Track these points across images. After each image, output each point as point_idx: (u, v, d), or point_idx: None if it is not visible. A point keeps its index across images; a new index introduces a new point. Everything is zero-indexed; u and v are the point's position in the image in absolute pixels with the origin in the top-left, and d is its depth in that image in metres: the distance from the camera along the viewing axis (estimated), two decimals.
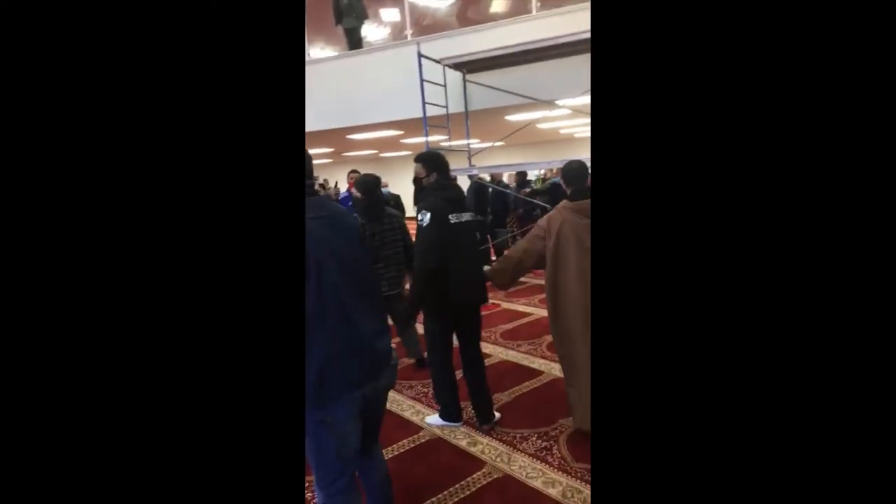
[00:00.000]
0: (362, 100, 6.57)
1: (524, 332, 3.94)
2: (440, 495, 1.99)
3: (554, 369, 3.04)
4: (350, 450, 1.35)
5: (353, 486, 1.41)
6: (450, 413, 2.51)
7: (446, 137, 6.44)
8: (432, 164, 2.36)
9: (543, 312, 4.09)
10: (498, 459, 2.21)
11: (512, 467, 2.14)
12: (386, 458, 2.11)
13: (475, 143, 6.71)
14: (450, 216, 2.27)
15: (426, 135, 5.50)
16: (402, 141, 9.76)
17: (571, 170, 2.29)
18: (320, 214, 1.31)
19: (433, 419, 2.57)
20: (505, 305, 4.73)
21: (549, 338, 3.50)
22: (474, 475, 2.10)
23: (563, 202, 2.26)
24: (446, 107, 5.73)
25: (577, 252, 2.14)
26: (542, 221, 2.28)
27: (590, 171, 2.27)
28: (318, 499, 1.39)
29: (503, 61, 5.36)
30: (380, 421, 1.55)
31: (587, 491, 1.94)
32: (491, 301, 4.94)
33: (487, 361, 3.38)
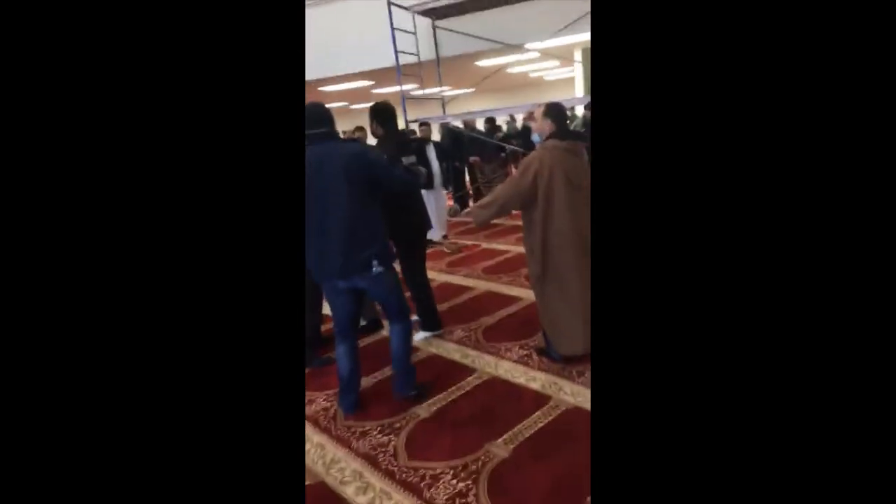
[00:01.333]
0: (332, 50, 6.53)
1: (504, 267, 4.28)
2: (442, 394, 2.35)
3: (531, 295, 3.40)
4: (336, 317, 2.21)
5: (343, 340, 2.23)
6: (436, 321, 2.98)
7: (418, 86, 6.51)
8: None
9: (520, 249, 4.41)
10: (486, 366, 2.58)
11: (499, 371, 2.52)
12: (388, 374, 2.45)
13: (447, 91, 6.79)
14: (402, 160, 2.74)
15: (399, 83, 5.58)
16: (373, 91, 9.69)
17: (554, 111, 2.35)
18: (308, 159, 1.95)
19: (421, 335, 2.96)
20: (485, 245, 5.05)
21: (525, 270, 3.85)
22: (467, 379, 2.48)
23: (550, 141, 2.30)
24: (417, 54, 5.78)
25: (567, 189, 2.23)
26: (531, 162, 2.30)
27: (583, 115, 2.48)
28: None
29: (472, 6, 5.41)
30: (383, 306, 2.34)
31: (563, 383, 2.33)
32: (471, 242, 5.26)
33: (472, 293, 3.73)
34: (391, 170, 2.19)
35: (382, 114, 2.71)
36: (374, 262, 2.03)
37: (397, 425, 2.15)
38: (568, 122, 5.66)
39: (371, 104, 2.76)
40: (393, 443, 2.03)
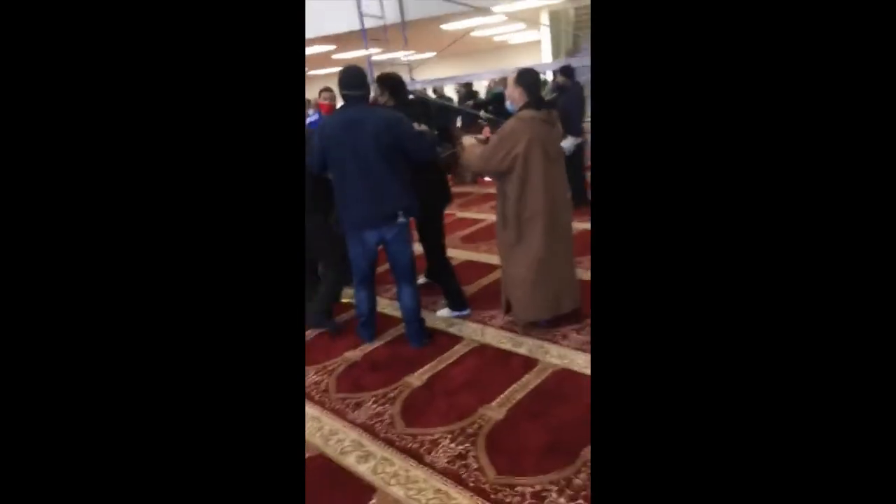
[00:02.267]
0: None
1: (481, 235, 4.32)
2: (432, 363, 2.40)
3: None
4: (357, 265, 2.46)
5: (363, 285, 2.53)
6: (463, 301, 2.86)
7: (382, 50, 6.31)
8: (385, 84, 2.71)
9: (494, 218, 4.43)
10: (473, 334, 2.64)
11: (485, 338, 2.58)
12: (379, 343, 2.48)
13: (412, 56, 6.62)
14: None
15: (366, 47, 5.41)
16: (333, 57, 9.33)
17: (528, 79, 2.32)
18: (341, 117, 2.26)
19: (445, 312, 2.85)
20: (459, 215, 5.06)
21: None
22: (455, 347, 2.53)
23: (527, 112, 2.27)
24: (382, 17, 5.59)
25: (545, 162, 2.27)
26: (507, 135, 2.28)
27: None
28: None
29: None
30: (398, 263, 2.45)
31: (549, 346, 2.42)
32: (446, 212, 5.26)
33: (452, 263, 3.76)
34: (420, 141, 2.33)
35: (391, 81, 2.71)
36: (400, 213, 2.30)
37: (391, 395, 2.19)
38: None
39: (340, 69, 2.60)
40: (389, 412, 2.08)
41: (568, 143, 4.43)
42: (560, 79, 4.58)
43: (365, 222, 2.31)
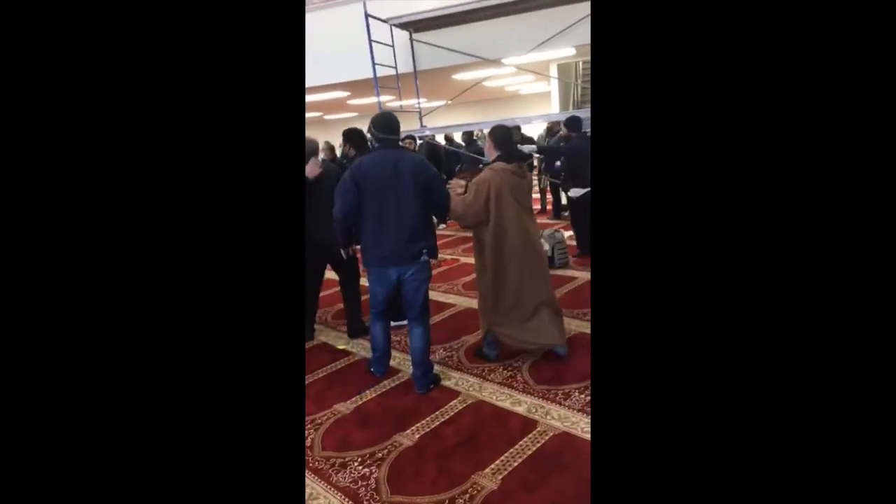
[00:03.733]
0: (308, 60, 6.43)
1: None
2: (425, 419, 2.27)
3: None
4: (377, 300, 2.47)
5: (380, 319, 2.54)
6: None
7: (395, 97, 6.46)
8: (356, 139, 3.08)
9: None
10: (471, 389, 2.51)
11: (483, 394, 2.45)
12: (371, 397, 2.36)
13: (424, 103, 6.77)
14: None
15: (377, 95, 5.53)
16: (348, 102, 9.60)
17: (500, 135, 2.54)
18: (381, 156, 2.33)
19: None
20: (464, 260, 5.00)
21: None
22: (451, 402, 2.40)
23: (499, 164, 2.48)
24: (395, 66, 5.74)
25: (516, 210, 2.46)
26: (481, 185, 2.46)
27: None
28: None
29: (449, 20, 5.42)
30: (413, 301, 2.45)
31: (549, 406, 2.28)
32: (450, 256, 5.20)
33: (453, 310, 3.66)
34: (442, 186, 2.47)
35: (353, 136, 3.11)
36: (424, 252, 2.39)
37: (379, 455, 2.05)
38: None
39: (358, 115, 2.80)
40: (375, 475, 1.93)
41: (574, 193, 4.43)
42: (563, 131, 4.61)
43: (393, 259, 2.34)
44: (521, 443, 2.04)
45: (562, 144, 4.84)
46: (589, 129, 4.57)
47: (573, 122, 4.46)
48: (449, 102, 7.48)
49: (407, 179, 2.28)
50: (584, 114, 4.81)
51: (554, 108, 7.53)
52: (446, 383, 2.59)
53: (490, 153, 2.56)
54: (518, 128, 5.94)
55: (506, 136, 2.57)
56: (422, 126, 6.22)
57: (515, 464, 1.92)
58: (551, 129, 6.13)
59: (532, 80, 8.95)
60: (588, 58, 6.93)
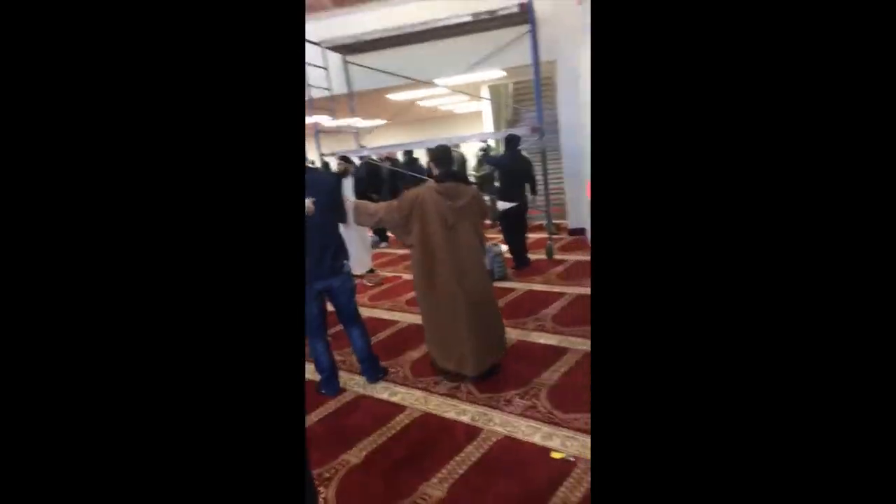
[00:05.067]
0: None
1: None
2: (371, 436, 2.28)
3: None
4: (312, 316, 2.56)
5: (320, 337, 2.65)
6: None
7: (330, 118, 6.46)
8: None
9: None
10: (416, 403, 2.55)
11: (428, 406, 2.50)
12: (325, 414, 2.37)
13: (361, 123, 6.81)
14: None
15: (310, 115, 5.52)
16: None
17: (438, 154, 2.64)
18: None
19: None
20: (406, 277, 5.05)
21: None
22: (397, 417, 2.43)
23: (431, 183, 2.58)
24: (329, 88, 5.77)
25: (443, 230, 2.52)
26: (408, 196, 2.55)
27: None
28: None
29: (381, 43, 5.52)
30: (346, 309, 2.70)
31: (492, 413, 2.37)
32: (393, 274, 5.24)
33: (397, 327, 3.70)
34: (341, 203, 2.66)
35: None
36: (345, 263, 2.63)
37: (326, 475, 2.05)
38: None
39: None
40: (323, 495, 1.93)
41: (500, 206, 4.67)
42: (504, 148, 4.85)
43: (314, 275, 2.52)
44: (466, 450, 2.10)
45: (486, 167, 5.11)
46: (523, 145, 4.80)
47: (510, 140, 4.69)
48: (385, 122, 7.57)
49: (319, 198, 2.48)
50: (518, 132, 5.06)
51: (488, 128, 7.81)
52: (392, 399, 2.62)
53: (430, 171, 2.66)
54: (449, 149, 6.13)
55: (442, 156, 2.64)
56: (360, 147, 6.25)
57: (461, 471, 1.98)
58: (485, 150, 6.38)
59: (466, 100, 9.24)
60: (518, 79, 7.28)
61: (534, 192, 4.97)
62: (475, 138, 6.61)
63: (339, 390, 2.74)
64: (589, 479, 1.84)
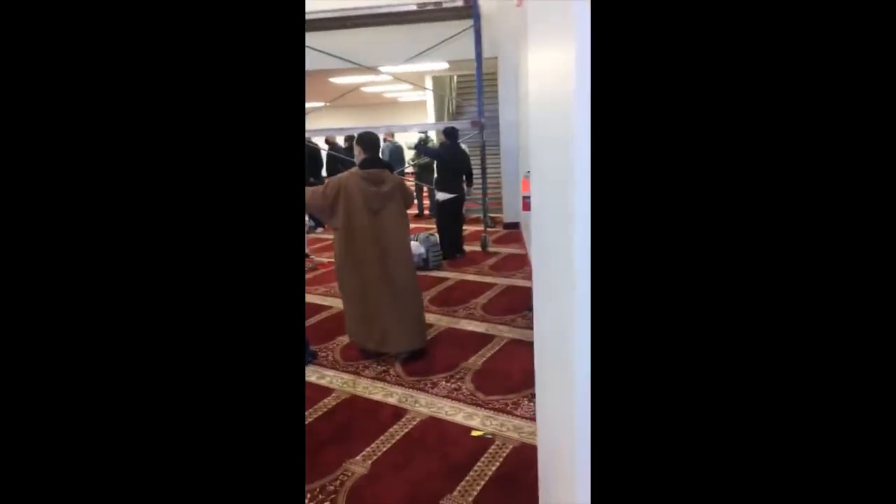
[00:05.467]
0: None
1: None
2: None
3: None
4: None
5: None
6: None
7: None
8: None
9: None
10: (345, 385, 2.60)
11: (357, 389, 2.56)
12: None
13: None
14: None
15: None
16: None
17: (367, 141, 2.75)
18: None
19: None
20: None
21: None
22: (325, 400, 2.46)
23: (355, 169, 2.68)
24: None
25: (367, 214, 2.63)
26: (332, 185, 2.65)
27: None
28: None
29: (327, 24, 5.41)
30: None
31: (418, 395, 2.46)
32: (328, 260, 5.20)
33: (329, 312, 3.70)
34: None
35: None
36: None
37: None
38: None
39: None
40: None
41: (441, 197, 4.78)
42: (442, 139, 4.94)
43: None
44: (390, 430, 2.19)
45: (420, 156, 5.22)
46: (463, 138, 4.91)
47: (449, 132, 4.79)
48: (326, 105, 7.42)
49: None
50: (459, 124, 5.15)
51: (430, 118, 7.86)
52: (320, 382, 2.65)
53: (357, 157, 2.76)
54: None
55: (369, 143, 2.76)
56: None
57: (385, 449, 2.06)
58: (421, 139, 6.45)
59: (410, 88, 9.22)
60: (462, 72, 7.37)
61: (469, 184, 5.11)
62: (417, 128, 6.64)
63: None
64: (505, 453, 1.98)
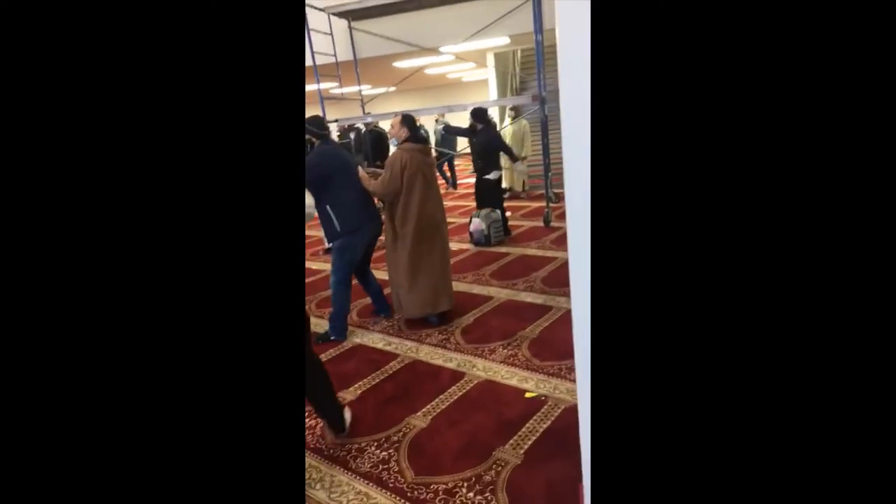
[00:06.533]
0: None
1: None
2: (365, 379, 2.53)
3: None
4: (357, 260, 3.00)
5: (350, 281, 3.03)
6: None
7: (337, 85, 6.55)
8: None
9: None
10: (408, 352, 2.79)
11: (419, 355, 2.74)
12: (325, 360, 2.61)
13: (367, 90, 6.89)
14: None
15: (317, 82, 5.63)
16: None
17: (409, 121, 3.01)
18: (332, 148, 2.98)
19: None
20: None
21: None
22: (390, 363, 2.67)
23: (408, 144, 2.91)
24: (335, 55, 5.84)
25: (424, 183, 2.89)
26: (395, 161, 2.86)
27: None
28: (331, 282, 2.99)
29: (387, 9, 5.56)
30: (370, 253, 3.11)
31: (476, 360, 2.60)
32: None
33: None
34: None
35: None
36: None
37: None
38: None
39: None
40: (320, 424, 2.18)
41: (493, 176, 4.83)
42: (470, 121, 4.97)
43: (365, 221, 2.97)
44: (449, 390, 2.34)
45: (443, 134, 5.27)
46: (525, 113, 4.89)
47: (477, 114, 4.84)
48: (392, 89, 7.62)
49: (350, 168, 2.94)
50: (523, 101, 5.13)
51: (493, 96, 7.84)
52: (387, 348, 2.86)
53: (400, 136, 2.97)
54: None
55: (413, 123, 3.03)
56: (365, 113, 6.36)
57: (443, 407, 2.22)
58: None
59: (473, 67, 9.21)
60: (524, 46, 7.27)
61: (514, 159, 5.34)
62: (483, 105, 6.66)
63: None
64: (556, 413, 2.07)
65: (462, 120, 7.11)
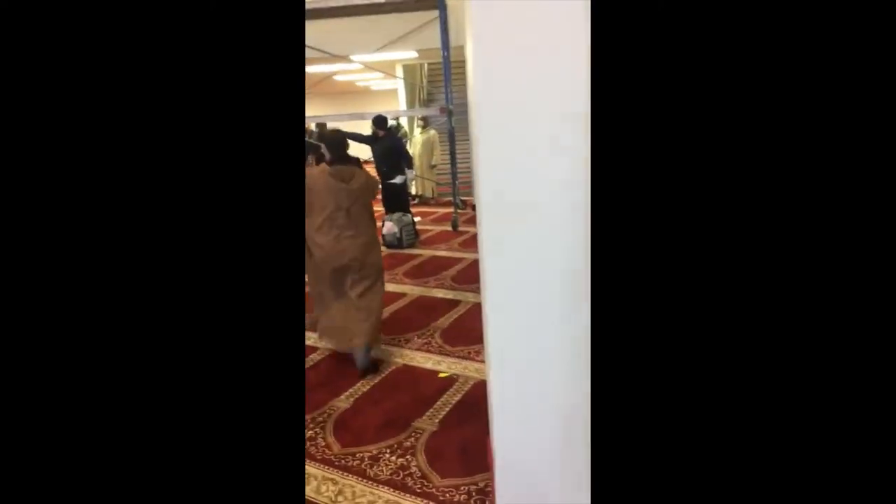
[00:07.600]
0: None
1: None
2: None
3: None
4: None
5: None
6: None
7: None
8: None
9: None
10: (327, 344, 2.93)
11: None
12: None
13: None
14: None
15: None
16: None
17: (333, 140, 2.63)
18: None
19: None
20: None
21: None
22: (311, 355, 2.79)
23: (324, 166, 2.54)
24: None
25: (336, 211, 2.46)
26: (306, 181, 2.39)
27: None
28: None
29: None
30: None
31: (393, 349, 2.80)
32: None
33: None
34: None
35: None
36: None
37: None
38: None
39: None
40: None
41: (398, 180, 5.10)
42: (372, 128, 5.23)
43: None
44: (369, 376, 2.53)
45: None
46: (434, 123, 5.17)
47: (379, 121, 5.12)
48: None
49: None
50: (431, 111, 5.42)
51: (402, 106, 8.11)
52: (308, 342, 2.97)
53: (325, 154, 2.62)
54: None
55: (335, 142, 2.63)
56: None
57: (365, 389, 2.41)
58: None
59: (382, 76, 9.43)
60: (432, 60, 7.65)
61: (410, 167, 5.32)
62: (390, 115, 6.90)
63: None
64: (466, 388, 2.35)
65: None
